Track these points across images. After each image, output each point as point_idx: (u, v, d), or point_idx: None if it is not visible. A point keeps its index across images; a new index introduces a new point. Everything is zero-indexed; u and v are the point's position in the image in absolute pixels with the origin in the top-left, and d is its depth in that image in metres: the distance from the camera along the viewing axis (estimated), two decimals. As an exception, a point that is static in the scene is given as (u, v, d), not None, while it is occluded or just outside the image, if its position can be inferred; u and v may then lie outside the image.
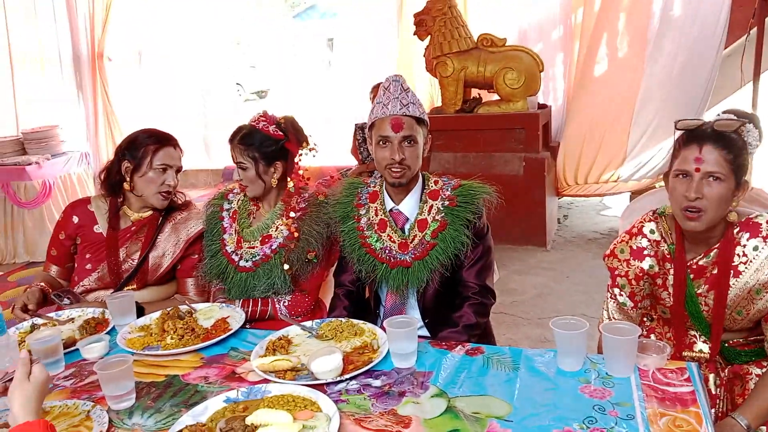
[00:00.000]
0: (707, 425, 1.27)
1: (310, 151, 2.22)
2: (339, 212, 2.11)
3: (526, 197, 4.81)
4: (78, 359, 1.77)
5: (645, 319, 1.93)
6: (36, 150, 5.56)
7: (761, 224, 1.64)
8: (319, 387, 1.51)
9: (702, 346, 1.76)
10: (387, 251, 2.00)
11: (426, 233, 1.97)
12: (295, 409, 1.39)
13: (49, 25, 6.48)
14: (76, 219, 2.32)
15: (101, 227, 2.30)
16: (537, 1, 5.59)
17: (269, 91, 16.73)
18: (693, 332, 1.79)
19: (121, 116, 6.69)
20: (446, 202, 1.98)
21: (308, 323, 1.90)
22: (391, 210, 2.04)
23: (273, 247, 2.16)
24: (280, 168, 2.18)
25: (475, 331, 1.96)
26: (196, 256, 2.31)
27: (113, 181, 2.29)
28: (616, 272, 1.82)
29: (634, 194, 4.76)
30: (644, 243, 1.77)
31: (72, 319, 2.04)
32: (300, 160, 2.21)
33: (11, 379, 1.20)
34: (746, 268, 1.64)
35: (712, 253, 1.69)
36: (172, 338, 1.81)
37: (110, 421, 1.43)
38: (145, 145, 2.24)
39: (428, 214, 1.99)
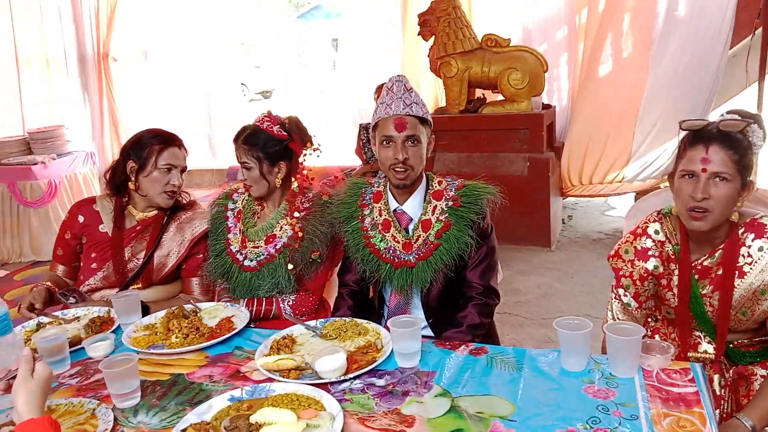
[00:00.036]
0: (711, 426, 1.26)
1: (314, 151, 2.23)
2: (343, 212, 2.11)
3: (530, 197, 4.80)
4: (83, 358, 1.78)
5: (649, 319, 1.92)
6: (42, 150, 5.58)
7: (767, 225, 1.64)
8: (323, 386, 1.51)
9: (707, 347, 1.76)
10: (391, 251, 2.00)
11: (430, 233, 1.97)
12: (299, 408, 1.40)
13: (54, 26, 6.50)
14: (81, 218, 2.33)
15: (106, 227, 2.31)
16: (541, 2, 5.58)
17: (274, 92, 16.76)
18: (697, 333, 1.78)
19: (127, 116, 6.72)
20: (450, 203, 1.98)
21: (312, 323, 1.90)
22: (395, 210, 2.04)
23: (277, 247, 2.17)
24: (284, 168, 2.18)
25: (479, 331, 1.96)
26: (201, 255, 2.32)
27: (118, 180, 2.30)
28: (621, 273, 1.82)
29: (639, 195, 4.75)
30: (649, 243, 1.77)
31: (78, 318, 2.05)
32: (304, 160, 2.22)
33: (15, 377, 1.20)
34: (751, 268, 1.64)
35: (716, 254, 1.69)
36: (177, 337, 1.82)
37: (115, 419, 1.43)
38: (150, 145, 2.25)
39: (432, 215, 1.99)
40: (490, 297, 2.01)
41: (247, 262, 2.18)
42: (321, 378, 1.54)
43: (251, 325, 1.99)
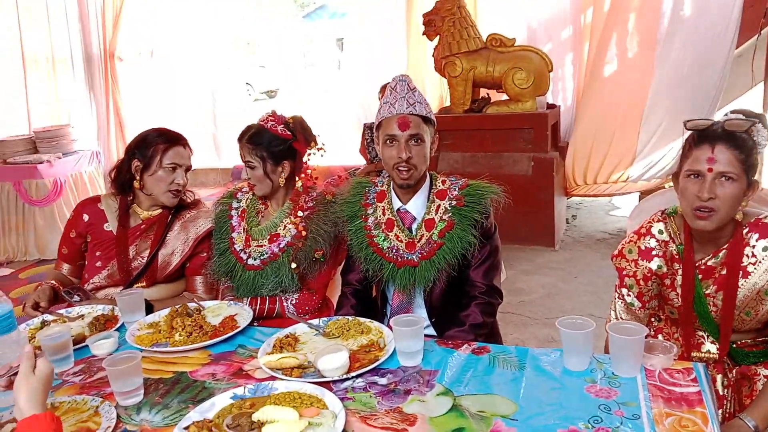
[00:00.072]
0: (713, 425, 1.26)
1: (318, 150, 2.23)
2: (347, 211, 2.11)
3: (534, 197, 4.80)
4: (87, 355, 1.79)
5: (653, 319, 1.92)
6: (47, 149, 5.61)
7: (771, 225, 1.64)
8: (326, 384, 1.51)
9: (710, 347, 1.76)
10: (394, 250, 2.00)
11: (433, 233, 1.97)
12: (302, 406, 1.40)
13: (60, 25, 6.52)
14: (86, 217, 2.34)
15: (111, 225, 2.32)
16: (546, 1, 5.56)
17: (279, 91, 16.78)
18: (701, 333, 1.78)
19: (132, 115, 6.74)
20: (453, 202, 1.98)
21: (315, 321, 1.91)
22: (398, 209, 2.04)
23: (281, 246, 2.17)
24: (288, 167, 2.19)
25: (482, 331, 1.96)
26: (205, 254, 2.32)
27: (123, 179, 2.31)
28: (624, 272, 1.81)
29: (644, 194, 4.74)
30: (652, 243, 1.77)
31: (82, 316, 2.06)
32: (308, 159, 2.23)
33: (16, 373, 1.21)
34: (755, 268, 1.64)
35: (720, 254, 1.68)
36: (180, 335, 1.83)
37: (118, 416, 1.44)
38: (155, 144, 2.26)
39: (435, 214, 1.99)
40: (493, 296, 2.01)
41: (250, 261, 2.19)
42: (323, 376, 1.55)
43: (254, 324, 1.99)
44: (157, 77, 7.39)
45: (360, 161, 5.61)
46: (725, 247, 1.68)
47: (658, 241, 1.76)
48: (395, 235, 2.01)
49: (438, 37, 5.15)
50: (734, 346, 1.75)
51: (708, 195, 1.57)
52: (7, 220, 5.36)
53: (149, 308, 2.09)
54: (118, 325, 1.98)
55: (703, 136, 1.62)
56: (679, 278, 1.74)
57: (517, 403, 1.40)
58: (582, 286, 4.16)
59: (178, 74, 7.58)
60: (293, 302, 2.18)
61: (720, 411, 1.68)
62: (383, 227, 2.03)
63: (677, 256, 1.74)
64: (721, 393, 1.71)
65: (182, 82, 7.63)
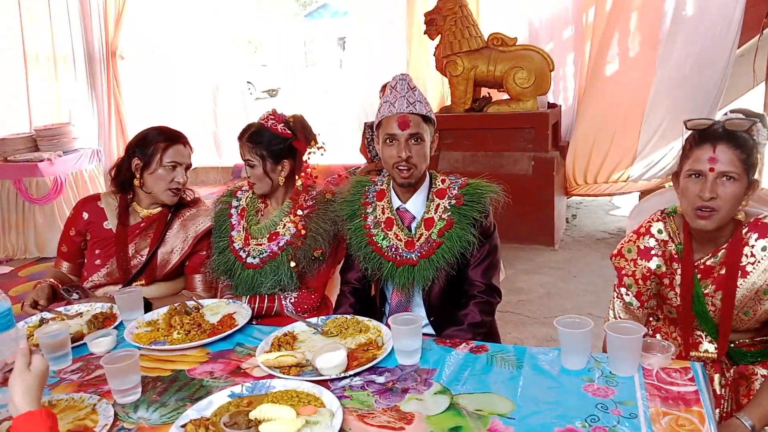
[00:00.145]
0: (710, 425, 1.26)
1: (318, 149, 2.23)
2: (346, 210, 2.11)
3: (534, 197, 4.79)
4: (85, 353, 1.79)
5: (651, 318, 1.92)
6: (48, 147, 5.61)
7: (770, 225, 1.64)
8: (323, 383, 1.51)
9: (708, 346, 1.76)
10: (393, 249, 2.00)
11: (432, 232, 1.97)
12: (299, 404, 1.40)
13: (62, 23, 6.52)
14: (86, 215, 2.35)
15: (111, 223, 2.32)
16: (548, 1, 5.56)
17: (280, 90, 16.80)
18: (699, 332, 1.78)
19: (133, 114, 6.74)
20: (453, 201, 1.98)
21: (314, 320, 1.91)
22: (398, 208, 2.04)
23: (280, 245, 2.17)
24: (288, 166, 2.19)
25: (481, 330, 1.95)
26: (204, 252, 2.32)
27: (123, 177, 2.31)
28: (623, 272, 1.81)
29: (644, 194, 4.73)
30: (652, 243, 1.77)
31: (80, 314, 2.06)
32: (308, 158, 2.23)
33: (11, 370, 1.21)
34: (754, 268, 1.64)
35: (720, 254, 1.68)
36: (178, 333, 1.83)
37: (115, 414, 1.44)
38: (155, 143, 2.26)
39: (435, 213, 1.99)
40: (492, 295, 2.01)
41: (249, 260, 2.19)
42: (321, 375, 1.55)
43: (253, 322, 1.99)
44: (159, 76, 7.39)
45: (360, 160, 5.60)
46: (724, 246, 1.68)
47: (657, 240, 1.76)
48: (394, 234, 2.01)
49: (439, 36, 5.15)
50: (732, 345, 1.75)
51: (710, 195, 1.57)
52: (7, 218, 5.37)
53: (148, 306, 2.09)
54: (116, 323, 1.98)
55: (704, 135, 1.62)
56: (678, 278, 1.74)
57: (515, 401, 1.40)
58: (582, 286, 4.16)
59: (179, 73, 7.58)
60: (292, 301, 2.18)
61: (717, 410, 1.68)
62: (382, 226, 2.03)
63: (676, 256, 1.74)
64: (718, 392, 1.71)
65: (183, 81, 7.63)
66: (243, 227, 2.25)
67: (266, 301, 2.17)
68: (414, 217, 2.03)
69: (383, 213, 2.05)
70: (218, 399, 1.46)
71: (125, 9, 6.44)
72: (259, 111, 2.31)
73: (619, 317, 1.82)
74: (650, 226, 1.79)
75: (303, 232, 2.16)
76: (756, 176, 1.63)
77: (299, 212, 2.18)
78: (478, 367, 1.57)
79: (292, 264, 2.14)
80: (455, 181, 2.03)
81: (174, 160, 2.27)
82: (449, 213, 1.97)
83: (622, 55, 5.07)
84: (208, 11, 7.62)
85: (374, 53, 6.64)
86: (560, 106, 5.54)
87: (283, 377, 1.55)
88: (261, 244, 2.19)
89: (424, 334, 1.69)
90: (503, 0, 5.81)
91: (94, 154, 5.89)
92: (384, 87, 4.65)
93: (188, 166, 2.33)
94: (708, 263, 1.70)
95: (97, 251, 2.31)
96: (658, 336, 1.87)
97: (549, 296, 4.04)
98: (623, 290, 1.81)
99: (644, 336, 1.48)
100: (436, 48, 5.27)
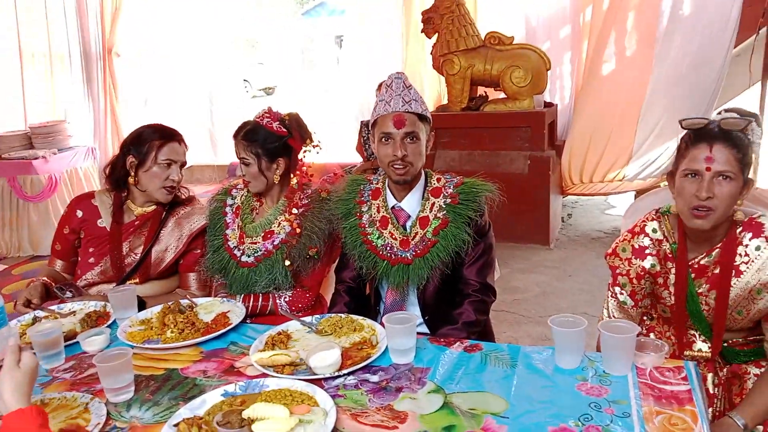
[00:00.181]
0: (702, 424, 1.26)
1: (314, 147, 2.22)
2: (341, 209, 2.11)
3: (530, 196, 4.80)
4: (78, 352, 1.78)
5: (645, 317, 1.92)
6: (43, 144, 5.59)
7: (764, 224, 1.64)
8: (317, 382, 1.51)
9: (701, 346, 1.76)
10: (388, 248, 2.00)
11: (427, 230, 1.97)
12: (293, 403, 1.39)
13: (58, 21, 6.50)
14: (80, 213, 2.34)
15: (105, 221, 2.31)
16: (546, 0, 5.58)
17: (276, 88, 16.77)
18: (693, 332, 1.78)
19: (128, 112, 6.72)
20: (448, 200, 1.98)
21: (308, 319, 1.90)
22: (393, 207, 2.04)
23: (275, 243, 2.17)
24: (283, 164, 2.18)
25: (475, 329, 1.96)
26: (199, 251, 2.32)
27: (118, 175, 2.30)
28: (618, 271, 1.81)
29: (639, 193, 4.74)
30: (646, 242, 1.77)
31: (73, 312, 2.05)
32: (304, 156, 2.22)
33: (0, 367, 1.20)
34: (748, 267, 1.64)
35: (714, 253, 1.68)
36: (172, 332, 1.82)
37: (108, 413, 1.43)
38: (150, 141, 2.25)
39: (430, 212, 1.99)
40: (487, 294, 2.01)
41: (244, 258, 2.18)
42: (315, 374, 1.54)
43: (247, 321, 1.99)
44: (154, 74, 7.37)
45: (357, 159, 5.60)
46: (719, 246, 1.68)
47: (651, 239, 1.76)
48: (389, 232, 2.01)
49: (436, 34, 5.15)
50: (725, 345, 1.75)
51: (706, 194, 1.57)
52: (1, 215, 5.35)
53: (141, 305, 2.09)
54: (109, 322, 1.97)
55: (700, 135, 1.62)
56: (672, 277, 1.74)
57: (508, 400, 1.40)
58: (577, 285, 4.16)
59: (175, 71, 7.56)
60: (287, 300, 2.17)
61: (710, 409, 1.68)
62: (377, 225, 2.03)
63: (671, 255, 1.74)
64: (711, 391, 1.71)
65: (179, 79, 7.60)
66: (238, 225, 2.24)
67: (261, 299, 2.16)
68: (409, 216, 2.02)
69: (378, 212, 2.05)
70: (211, 398, 1.46)
71: (122, 7, 6.43)
72: (256, 109, 2.30)
73: (613, 316, 1.82)
74: (645, 225, 1.79)
75: (298, 230, 2.15)
76: (750, 175, 1.63)
77: (294, 211, 2.18)
78: (472, 366, 1.57)
79: (287, 263, 2.14)
80: (451, 180, 2.03)
81: (169, 157, 2.26)
82: (444, 212, 1.97)
83: (618, 54, 5.08)
84: (203, 9, 7.60)
85: (371, 51, 6.63)
86: (557, 105, 5.55)
87: (277, 376, 1.55)
88: (256, 243, 2.19)
89: (418, 333, 1.69)
90: (501, -1, 5.82)
91: (88, 152, 5.88)
92: (380, 85, 4.65)
93: (183, 164, 2.33)
94: (702, 262, 1.70)
95: (90, 249, 2.30)
96: (651, 335, 1.87)
97: (544, 295, 4.04)
98: (617, 289, 1.81)
99: (638, 335, 1.48)
100: (433, 46, 5.26)
